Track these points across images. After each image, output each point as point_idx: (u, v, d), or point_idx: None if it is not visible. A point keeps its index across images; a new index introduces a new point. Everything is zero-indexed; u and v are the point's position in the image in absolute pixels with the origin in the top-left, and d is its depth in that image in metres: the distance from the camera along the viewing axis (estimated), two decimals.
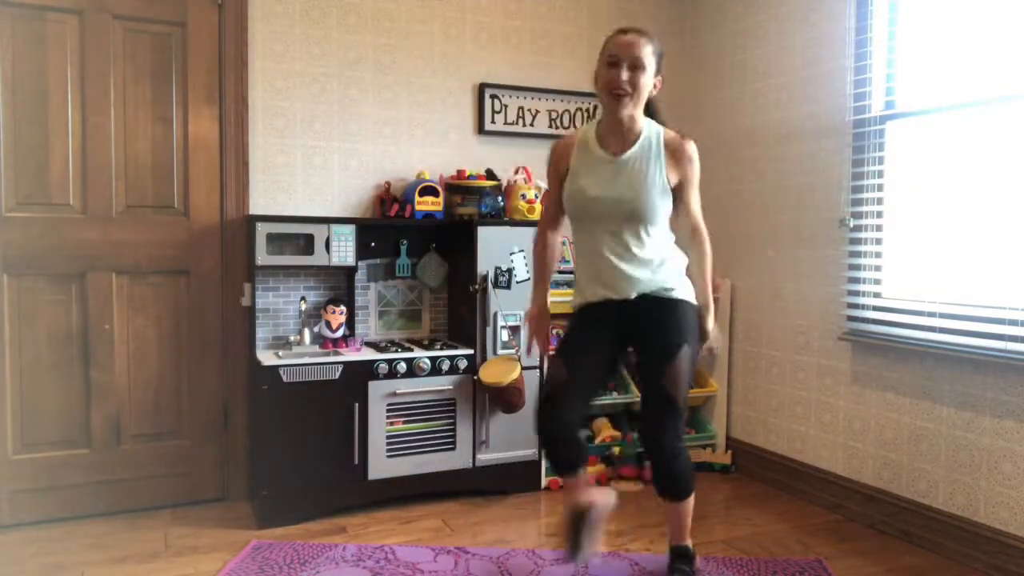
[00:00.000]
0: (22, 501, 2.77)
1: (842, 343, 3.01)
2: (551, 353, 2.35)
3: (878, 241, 2.88)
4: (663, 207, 2.15)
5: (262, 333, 3.05)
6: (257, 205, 3.08)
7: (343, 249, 2.97)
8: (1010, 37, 2.44)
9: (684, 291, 2.20)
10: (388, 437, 2.93)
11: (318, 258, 2.94)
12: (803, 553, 2.63)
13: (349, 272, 3.12)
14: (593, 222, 2.17)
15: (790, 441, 3.27)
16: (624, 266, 2.14)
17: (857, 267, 2.94)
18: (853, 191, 2.96)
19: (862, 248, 2.92)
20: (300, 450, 2.78)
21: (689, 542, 2.34)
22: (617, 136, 2.15)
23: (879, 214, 2.87)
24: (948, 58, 2.64)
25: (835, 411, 3.05)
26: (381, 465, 2.92)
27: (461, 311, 3.24)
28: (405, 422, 2.96)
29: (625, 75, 2.06)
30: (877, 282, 2.88)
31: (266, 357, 2.82)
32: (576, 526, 2.14)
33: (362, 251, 3.07)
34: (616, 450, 3.31)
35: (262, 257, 2.86)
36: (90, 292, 2.84)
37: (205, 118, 2.98)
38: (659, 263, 2.16)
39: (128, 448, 2.92)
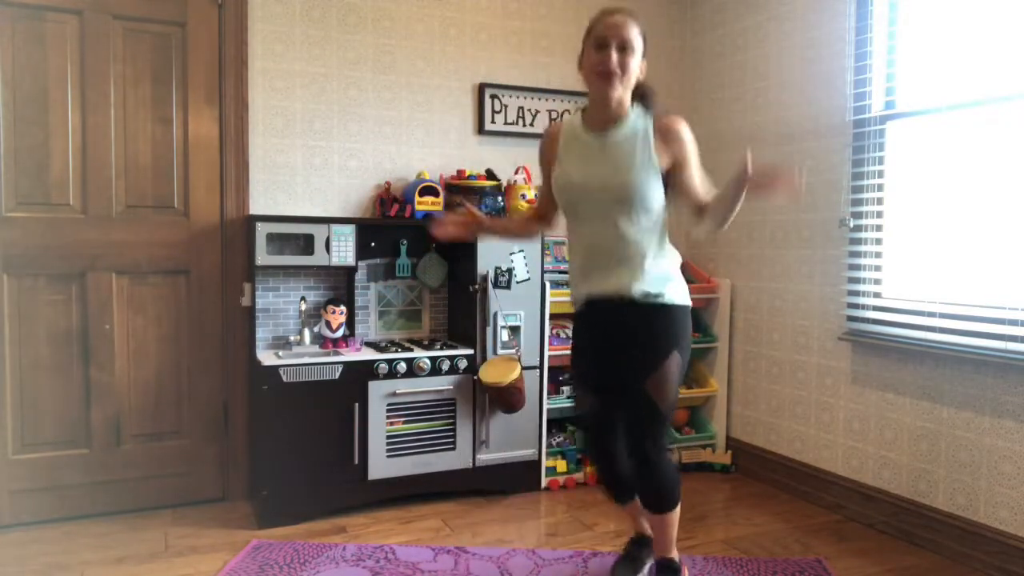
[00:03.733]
0: (22, 501, 2.77)
1: (842, 343, 3.01)
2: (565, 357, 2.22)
3: (878, 241, 2.88)
4: (654, 190, 2.02)
5: (262, 333, 3.05)
6: (257, 205, 3.08)
7: (343, 249, 2.97)
8: (1010, 37, 2.44)
9: (676, 293, 2.10)
10: (388, 437, 2.93)
11: (318, 258, 2.94)
12: (803, 553, 2.63)
13: (349, 272, 3.13)
14: (582, 211, 2.09)
15: (790, 441, 3.27)
16: (614, 260, 2.06)
17: (857, 267, 2.94)
18: (853, 191, 2.96)
19: (862, 248, 2.92)
20: (300, 450, 2.79)
21: (675, 555, 2.22)
22: (604, 119, 2.07)
23: (879, 214, 2.87)
24: (948, 58, 2.64)
25: (835, 411, 3.05)
26: (381, 465, 2.93)
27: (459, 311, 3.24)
28: (405, 422, 2.97)
29: (615, 57, 1.99)
30: (877, 282, 2.88)
31: (266, 357, 2.82)
32: (637, 552, 2.38)
33: (362, 251, 3.06)
34: None
35: (262, 257, 2.86)
36: (90, 292, 2.84)
37: (205, 118, 2.98)
38: (651, 259, 2.06)
39: (128, 448, 2.92)
